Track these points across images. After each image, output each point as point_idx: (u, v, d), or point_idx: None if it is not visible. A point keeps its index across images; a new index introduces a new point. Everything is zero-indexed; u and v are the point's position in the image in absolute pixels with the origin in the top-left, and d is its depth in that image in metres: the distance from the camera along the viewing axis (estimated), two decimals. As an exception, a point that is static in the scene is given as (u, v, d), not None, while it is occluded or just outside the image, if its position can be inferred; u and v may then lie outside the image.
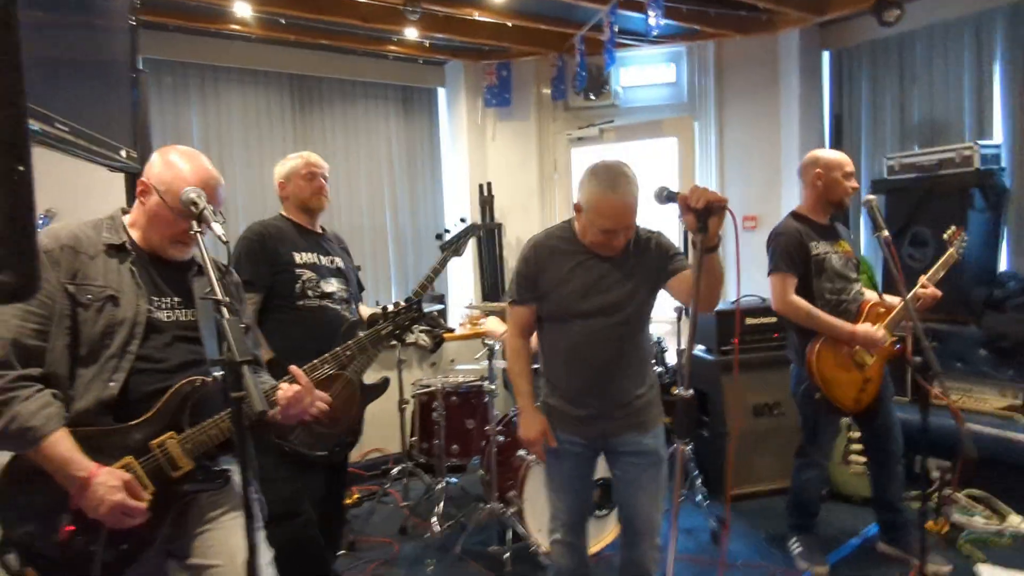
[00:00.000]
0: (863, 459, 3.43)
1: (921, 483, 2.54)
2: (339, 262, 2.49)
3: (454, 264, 4.85)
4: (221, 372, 1.41)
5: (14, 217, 0.57)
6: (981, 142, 3.56)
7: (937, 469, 3.18)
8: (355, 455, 4.15)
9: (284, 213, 2.50)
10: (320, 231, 2.54)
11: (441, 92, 4.87)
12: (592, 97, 4.54)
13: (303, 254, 2.38)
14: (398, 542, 3.27)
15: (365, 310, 2.64)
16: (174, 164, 1.53)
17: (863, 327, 2.63)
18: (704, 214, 1.60)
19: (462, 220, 2.67)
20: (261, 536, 1.60)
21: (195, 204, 1.47)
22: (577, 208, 1.98)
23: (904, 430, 2.84)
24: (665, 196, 1.67)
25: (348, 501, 3.67)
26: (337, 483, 2.54)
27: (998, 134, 3.75)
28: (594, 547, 2.84)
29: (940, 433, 3.17)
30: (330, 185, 4.32)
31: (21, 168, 0.57)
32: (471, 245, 4.72)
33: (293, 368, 1.64)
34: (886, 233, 2.40)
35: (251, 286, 2.26)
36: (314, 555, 2.35)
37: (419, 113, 4.83)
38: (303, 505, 2.26)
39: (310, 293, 2.34)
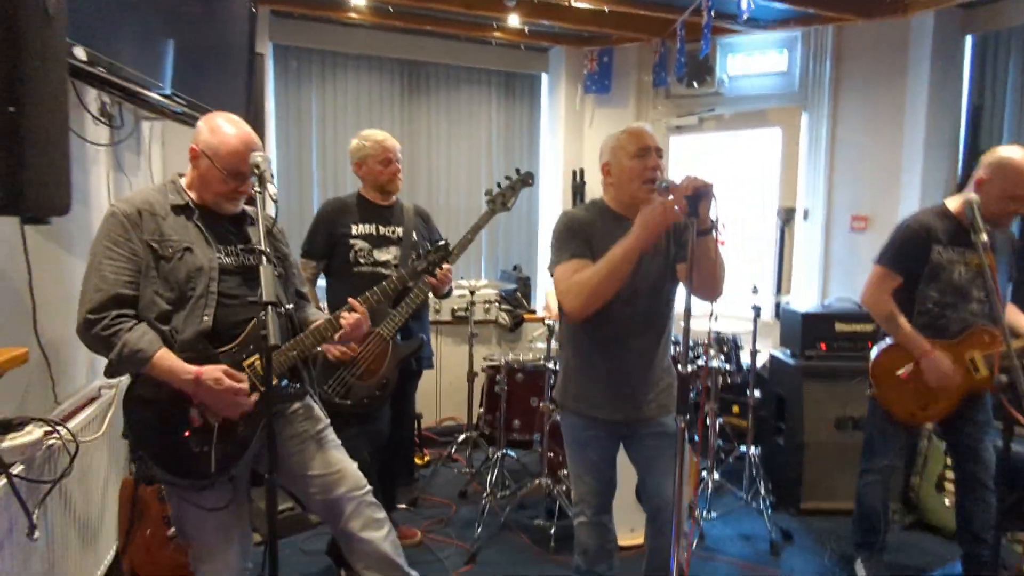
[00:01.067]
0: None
1: (991, 511, 2.29)
2: (401, 231, 2.68)
3: (543, 247, 4.97)
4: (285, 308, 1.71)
5: (2, 145, 0.74)
6: None
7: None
8: (431, 420, 4.42)
9: (360, 191, 2.75)
10: (391, 203, 2.73)
11: (544, 78, 4.93)
12: (695, 85, 4.39)
13: (361, 226, 2.64)
14: (456, 504, 3.45)
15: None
16: (219, 130, 1.73)
17: (938, 356, 2.37)
18: (693, 199, 1.65)
19: (517, 171, 2.72)
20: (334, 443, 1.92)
21: (258, 167, 1.69)
22: (605, 169, 2.03)
23: (1014, 464, 2.52)
24: (663, 187, 1.78)
25: (419, 462, 3.91)
26: (371, 435, 2.61)
27: None
28: (636, 540, 2.83)
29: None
30: (432, 166, 4.62)
31: (12, 109, 0.74)
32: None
33: (351, 300, 1.89)
34: (984, 238, 2.16)
35: (308, 255, 2.67)
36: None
37: (521, 99, 4.93)
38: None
39: (362, 261, 2.61)
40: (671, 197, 1.72)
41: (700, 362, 3.24)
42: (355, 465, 1.92)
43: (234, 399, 1.63)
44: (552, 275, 2.00)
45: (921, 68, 3.95)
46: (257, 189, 1.66)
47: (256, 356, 1.71)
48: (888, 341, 2.53)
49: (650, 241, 1.76)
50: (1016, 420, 2.00)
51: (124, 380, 1.74)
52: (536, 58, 4.85)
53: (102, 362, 1.64)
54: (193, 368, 1.60)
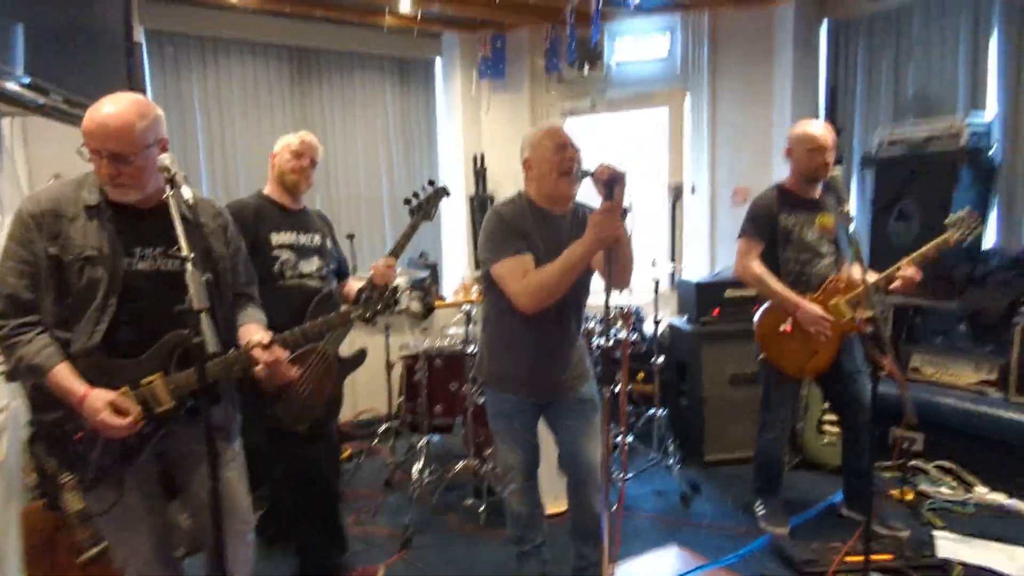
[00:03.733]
0: (835, 430, 3.53)
1: (868, 449, 2.64)
2: (318, 240, 2.51)
3: (448, 233, 5.02)
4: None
5: None
6: (970, 120, 3.54)
7: (902, 437, 3.26)
8: (348, 414, 4.37)
9: (265, 191, 2.51)
10: (301, 207, 2.55)
11: (438, 63, 4.92)
12: (585, 69, 4.56)
13: (282, 234, 2.41)
14: (383, 494, 3.46)
15: (354, 283, 2.70)
16: (90, 111, 1.60)
17: (809, 304, 2.70)
18: (610, 185, 1.82)
19: (430, 183, 2.72)
20: (240, 472, 1.83)
21: (167, 169, 1.60)
22: (526, 165, 2.14)
23: (880, 403, 2.91)
24: (580, 175, 1.97)
25: (340, 457, 3.87)
26: (326, 452, 2.57)
27: (992, 107, 3.71)
28: (561, 507, 2.98)
29: (916, 405, 3.25)
30: (328, 156, 4.49)
31: None
32: (464, 216, 4.86)
33: (262, 337, 1.73)
34: (846, 209, 2.45)
35: None
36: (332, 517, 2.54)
37: (416, 85, 4.89)
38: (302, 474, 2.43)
39: (288, 274, 2.39)
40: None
41: (620, 335, 3.44)
42: (246, 499, 1.87)
43: (109, 431, 1.55)
44: (489, 269, 2.09)
45: (785, 52, 4.35)
46: (169, 194, 1.59)
47: (159, 373, 1.62)
48: (764, 305, 2.85)
49: (603, 246, 1.88)
50: (879, 365, 2.31)
51: (13, 404, 1.64)
52: (429, 43, 4.82)
53: None
54: (80, 391, 1.53)
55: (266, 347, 1.69)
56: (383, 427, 3.90)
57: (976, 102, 3.77)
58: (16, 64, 2.12)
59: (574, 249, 1.93)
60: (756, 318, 2.88)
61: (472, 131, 4.83)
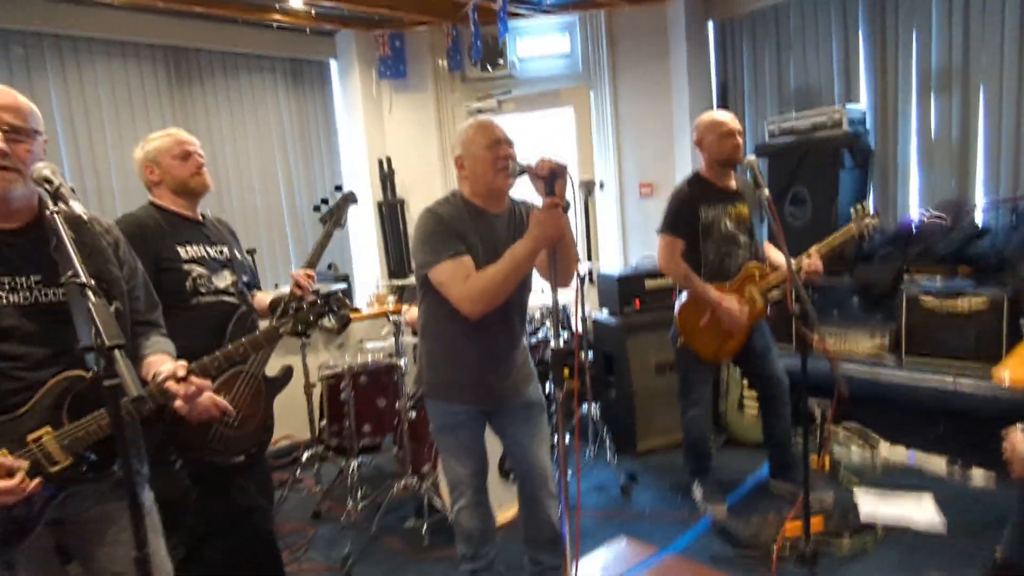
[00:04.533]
0: (756, 406, 3.70)
1: (804, 422, 2.77)
2: (226, 251, 2.28)
3: (357, 242, 4.78)
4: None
5: None
6: (848, 106, 3.84)
7: (818, 408, 3.48)
8: (263, 444, 4.03)
9: (157, 201, 2.21)
10: (200, 218, 2.29)
11: (333, 64, 4.67)
12: (489, 68, 4.51)
13: (188, 247, 2.16)
14: (313, 527, 3.22)
15: (264, 296, 2.48)
16: None
17: (729, 304, 2.80)
18: (550, 179, 1.76)
19: (337, 189, 2.57)
20: (153, 528, 1.55)
21: (48, 180, 1.35)
22: (459, 163, 2.05)
23: (789, 375, 3.09)
24: (519, 170, 1.88)
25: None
26: (261, 481, 2.38)
27: (863, 99, 4.05)
28: (508, 514, 2.91)
29: (821, 376, 3.47)
30: (218, 165, 4.13)
31: None
32: (373, 223, 4.65)
33: (179, 367, 1.49)
34: (766, 192, 2.55)
35: None
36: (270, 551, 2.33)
37: (310, 86, 4.61)
38: (244, 510, 2.21)
39: (202, 290, 2.15)
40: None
41: (563, 336, 3.41)
42: (166, 559, 1.64)
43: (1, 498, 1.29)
44: (425, 273, 1.98)
45: (679, 50, 4.52)
46: (52, 208, 1.34)
47: (46, 429, 1.37)
48: (683, 297, 2.96)
49: (548, 244, 1.79)
50: (809, 342, 2.43)
51: None
52: (322, 43, 4.56)
53: None
54: None
55: (181, 379, 1.45)
56: (305, 454, 3.63)
57: (850, 94, 4.10)
58: None
59: (518, 248, 1.85)
60: (676, 308, 2.97)
61: (375, 133, 4.62)
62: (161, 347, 1.62)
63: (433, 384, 2.14)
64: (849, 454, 3.44)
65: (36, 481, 1.32)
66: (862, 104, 4.01)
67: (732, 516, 2.95)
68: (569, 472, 3.47)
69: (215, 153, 4.21)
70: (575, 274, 2.07)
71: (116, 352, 1.20)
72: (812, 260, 2.78)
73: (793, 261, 2.84)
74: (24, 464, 1.32)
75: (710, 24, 4.64)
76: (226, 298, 2.20)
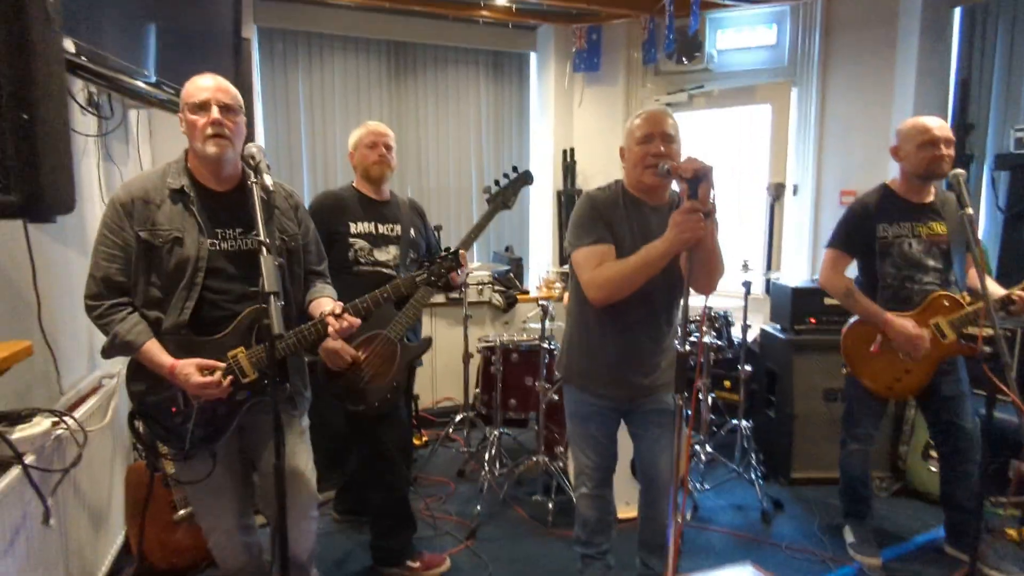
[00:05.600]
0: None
1: (979, 482, 2.37)
2: (399, 229, 2.60)
3: (535, 227, 5.00)
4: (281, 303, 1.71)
5: (20, 151, 0.76)
6: None
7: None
8: (428, 401, 4.48)
9: (354, 183, 2.64)
10: (387, 198, 2.64)
11: (532, 57, 4.91)
12: (684, 61, 4.38)
13: (360, 224, 2.53)
14: (455, 483, 3.51)
15: None
16: (185, 88, 1.74)
17: (900, 321, 2.46)
18: (694, 182, 1.69)
19: (514, 169, 2.70)
20: (305, 448, 1.93)
21: (252, 157, 1.70)
22: (621, 154, 2.07)
23: (999, 432, 2.62)
24: (665, 171, 1.83)
25: (416, 442, 3.97)
26: (395, 435, 2.62)
27: None
28: (632, 512, 2.89)
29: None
30: (421, 148, 4.61)
31: (25, 116, 0.76)
32: (551, 210, 4.82)
33: (337, 305, 1.80)
34: (969, 211, 2.20)
35: None
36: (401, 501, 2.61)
37: (509, 78, 4.91)
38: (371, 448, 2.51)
39: (362, 260, 2.51)
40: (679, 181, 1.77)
41: (694, 339, 3.30)
42: (311, 473, 1.95)
43: (203, 391, 1.67)
44: (570, 254, 2.04)
45: (910, 41, 3.96)
46: (253, 180, 1.68)
47: (241, 348, 1.73)
48: (852, 320, 2.65)
49: (682, 249, 1.76)
50: (999, 389, 2.06)
51: (123, 371, 1.77)
52: (524, 36, 4.81)
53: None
54: (168, 361, 1.65)
55: (338, 316, 1.75)
56: (459, 417, 3.95)
57: None
58: (149, 65, 2.33)
59: (653, 247, 1.83)
60: (843, 331, 2.67)
61: (564, 125, 4.78)
62: (325, 292, 1.98)
63: (569, 370, 2.18)
64: (1065, 536, 2.82)
65: (229, 379, 1.70)
66: None
67: (884, 571, 2.62)
68: (701, 485, 3.36)
69: (419, 137, 4.70)
70: (716, 282, 1.98)
71: (271, 297, 1.50)
72: None
73: (1001, 292, 2.42)
74: (221, 365, 1.70)
75: (956, 10, 3.98)
76: (384, 270, 2.54)
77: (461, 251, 2.51)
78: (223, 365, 1.70)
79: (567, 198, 4.69)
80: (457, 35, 4.61)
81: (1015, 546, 2.77)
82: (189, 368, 1.65)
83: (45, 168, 0.80)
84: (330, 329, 1.74)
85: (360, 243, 2.52)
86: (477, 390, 3.84)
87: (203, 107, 1.68)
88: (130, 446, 2.64)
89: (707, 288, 1.95)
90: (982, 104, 3.94)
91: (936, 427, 2.70)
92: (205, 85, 1.70)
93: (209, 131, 1.67)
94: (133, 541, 2.45)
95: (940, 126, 2.49)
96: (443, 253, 2.00)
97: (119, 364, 2.47)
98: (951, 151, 2.48)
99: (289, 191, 1.95)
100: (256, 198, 1.64)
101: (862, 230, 2.56)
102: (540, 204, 4.84)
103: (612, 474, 2.24)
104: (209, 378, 1.66)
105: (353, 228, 2.52)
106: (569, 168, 4.67)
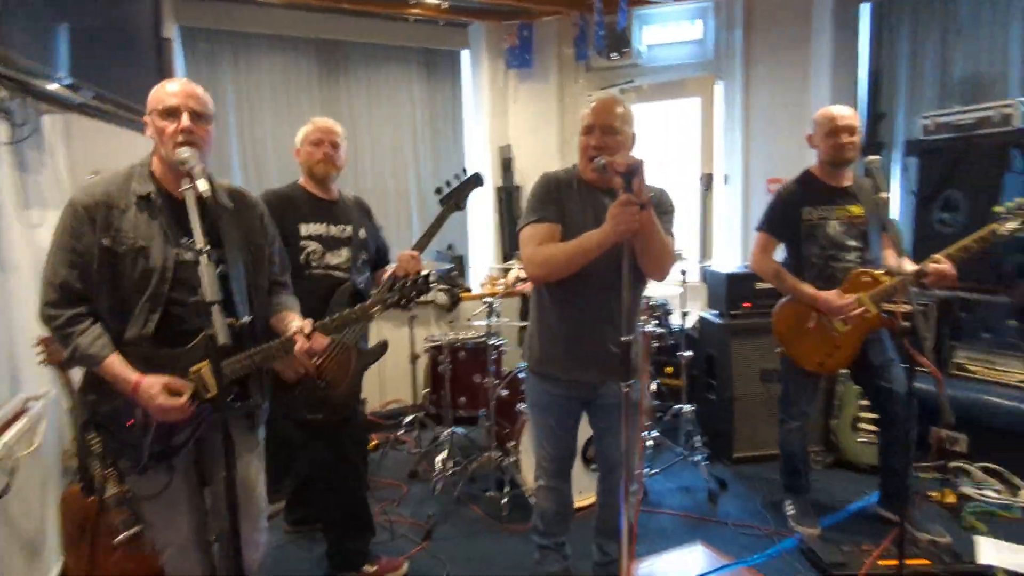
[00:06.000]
0: (871, 428, 3.40)
1: (907, 448, 2.54)
2: (350, 231, 2.51)
3: (475, 225, 5.01)
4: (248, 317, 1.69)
5: None
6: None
7: (945, 437, 3.13)
8: (376, 404, 4.42)
9: (300, 181, 2.53)
10: (336, 198, 2.54)
11: (464, 55, 4.90)
12: (614, 57, 4.47)
13: (310, 225, 2.42)
14: (407, 485, 3.49)
15: (385, 271, 2.68)
16: (157, 88, 1.67)
17: (826, 294, 2.63)
18: (627, 176, 1.73)
19: (464, 170, 2.69)
20: (255, 463, 1.88)
21: (184, 162, 1.63)
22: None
23: (923, 402, 2.79)
24: (601, 165, 1.87)
25: (367, 445, 3.92)
26: (353, 440, 2.59)
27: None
28: (586, 501, 2.95)
29: (960, 405, 3.10)
30: (357, 148, 4.53)
31: None
32: (491, 207, 4.84)
33: (305, 324, 1.75)
34: (884, 195, 2.35)
35: None
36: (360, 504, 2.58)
37: (442, 76, 4.88)
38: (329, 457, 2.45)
39: (314, 264, 2.40)
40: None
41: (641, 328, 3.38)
42: (262, 487, 1.91)
43: (167, 413, 1.61)
44: (519, 230, 2.07)
45: (823, 35, 4.18)
46: (187, 186, 1.61)
47: (204, 362, 1.66)
48: (781, 301, 2.80)
49: (619, 240, 1.78)
50: (918, 362, 2.21)
51: (52, 391, 1.68)
52: (456, 34, 4.80)
53: (24, 375, 1.59)
54: (133, 377, 1.59)
55: (307, 335, 1.72)
56: (408, 418, 3.92)
57: (1028, 86, 3.56)
58: (59, 65, 2.20)
59: (590, 236, 1.88)
60: (774, 312, 2.81)
61: (499, 121, 4.79)
62: (288, 305, 1.92)
63: (531, 358, 2.19)
64: (982, 496, 3.05)
65: (195, 403, 1.64)
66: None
67: (823, 540, 2.77)
68: (649, 469, 3.45)
69: (354, 137, 4.61)
70: (664, 269, 2.01)
71: (213, 308, 1.45)
72: (940, 265, 2.42)
73: (914, 267, 2.59)
74: (189, 387, 1.64)
75: (864, 7, 4.22)
76: (336, 273, 2.44)
77: (416, 252, 2.48)
78: (190, 387, 1.63)
79: (506, 194, 4.71)
80: (388, 33, 4.56)
81: (938, 508, 2.98)
82: (154, 388, 1.59)
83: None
84: (297, 348, 1.70)
85: (312, 246, 2.41)
86: (426, 390, 3.82)
87: (172, 113, 1.63)
88: (66, 471, 2.49)
89: (657, 274, 2.00)
90: (892, 94, 4.20)
91: (871, 395, 2.87)
92: (175, 91, 1.64)
93: (180, 138, 1.62)
94: (72, 570, 2.32)
95: (843, 115, 2.65)
96: (415, 277, 1.93)
97: (45, 385, 2.33)
98: (855, 138, 2.65)
99: (254, 200, 1.89)
100: (190, 204, 1.58)
101: (789, 214, 2.71)
102: (480, 201, 4.84)
103: (569, 467, 2.26)
104: (176, 401, 1.60)
105: (304, 230, 2.41)
106: (507, 165, 4.69)
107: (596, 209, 2.01)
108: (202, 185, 1.63)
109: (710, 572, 2.57)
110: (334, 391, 2.35)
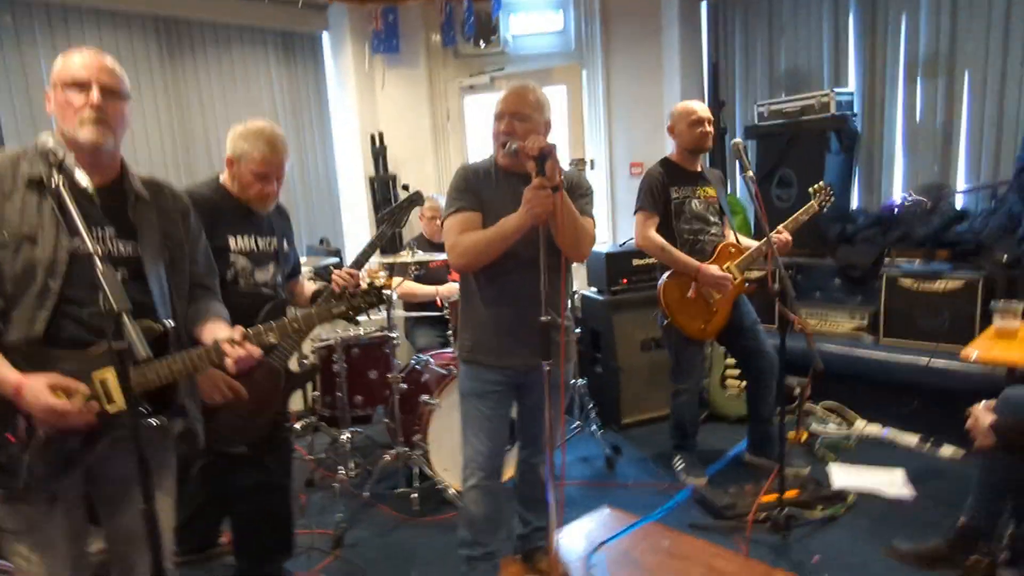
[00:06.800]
0: (737, 383, 3.81)
1: (782, 398, 2.88)
2: (275, 243, 2.26)
3: (348, 218, 4.80)
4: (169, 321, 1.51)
5: None
6: (837, 89, 3.89)
7: (796, 385, 3.59)
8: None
9: (225, 183, 2.17)
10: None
11: (325, 37, 4.65)
12: (482, 44, 4.51)
13: (239, 238, 2.14)
14: (305, 494, 3.30)
15: (307, 286, 2.49)
16: (59, 63, 1.47)
17: (709, 267, 2.93)
18: (540, 160, 1.79)
19: (404, 188, 2.60)
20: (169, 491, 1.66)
21: (54, 153, 1.38)
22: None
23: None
24: (513, 150, 1.89)
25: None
26: (280, 461, 2.39)
27: (852, 82, 4.10)
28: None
29: (799, 354, 3.57)
30: (209, 136, 4.13)
31: None
32: (365, 198, 4.67)
33: (238, 331, 1.57)
34: (750, 173, 2.63)
35: None
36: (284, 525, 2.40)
37: (302, 60, 4.59)
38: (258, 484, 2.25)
39: (241, 282, 2.14)
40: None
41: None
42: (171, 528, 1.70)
43: (58, 417, 1.36)
44: (441, 224, 2.10)
45: (671, 29, 4.54)
46: (56, 180, 1.38)
47: (109, 369, 1.40)
48: (665, 275, 3.04)
49: (537, 222, 1.80)
50: (788, 319, 2.52)
51: None
52: (314, 16, 4.53)
53: None
54: (15, 379, 1.34)
55: (236, 343, 1.54)
56: (299, 424, 3.70)
57: (839, 78, 4.15)
58: None
59: (508, 221, 1.92)
60: (660, 286, 3.04)
61: (368, 108, 4.62)
62: (217, 312, 1.72)
63: (463, 346, 2.17)
64: (826, 430, 3.56)
65: (93, 403, 1.37)
66: (851, 88, 4.06)
67: (711, 487, 3.06)
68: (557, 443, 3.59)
69: (207, 126, 4.21)
70: (583, 249, 2.07)
71: (124, 316, 1.26)
72: (782, 235, 2.94)
73: (754, 243, 3.00)
74: (83, 388, 1.38)
75: (703, 5, 4.65)
76: (264, 290, 2.19)
77: (353, 271, 2.34)
78: (85, 389, 1.38)
79: (380, 184, 4.57)
80: (238, 12, 4.19)
81: (797, 445, 3.42)
82: (39, 386, 1.34)
83: None
84: (227, 360, 1.52)
85: (241, 261, 2.13)
86: (315, 393, 3.62)
87: (82, 87, 1.41)
88: None
89: (575, 255, 2.06)
90: (729, 84, 4.67)
91: (742, 356, 3.25)
92: (84, 62, 1.43)
93: (87, 114, 1.40)
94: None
95: (703, 108, 3.03)
96: (363, 287, 1.81)
97: None
98: (711, 129, 3.02)
99: (176, 193, 1.68)
100: (67, 197, 1.35)
101: (660, 193, 2.98)
102: (351, 192, 4.65)
103: (501, 464, 2.21)
104: (64, 403, 1.35)
105: (232, 243, 2.12)
106: (379, 153, 4.55)
107: (515, 195, 2.00)
108: (82, 179, 1.41)
109: (621, 531, 2.74)
110: (259, 418, 2.13)
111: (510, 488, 2.43)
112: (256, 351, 1.57)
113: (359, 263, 2.41)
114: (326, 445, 3.62)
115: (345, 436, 3.29)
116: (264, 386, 2.12)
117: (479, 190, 2.06)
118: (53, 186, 1.36)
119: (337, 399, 3.35)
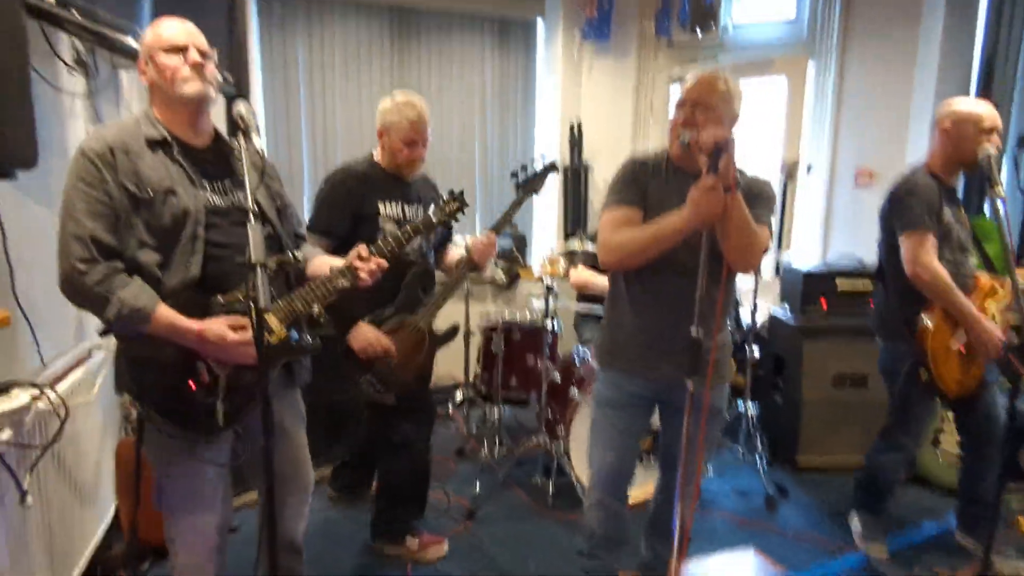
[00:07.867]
0: (953, 444, 3.12)
1: (1004, 468, 2.30)
2: (422, 212, 2.38)
3: (539, 205, 4.87)
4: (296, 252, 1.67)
5: None
6: None
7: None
8: (427, 379, 4.40)
9: (376, 159, 2.38)
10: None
11: (539, 23, 4.73)
12: (699, 32, 4.22)
13: (389, 204, 2.31)
14: (455, 462, 3.45)
15: (455, 252, 2.61)
16: (153, 26, 1.59)
17: (987, 323, 2.32)
18: (714, 155, 1.57)
19: (542, 158, 2.61)
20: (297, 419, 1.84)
21: (242, 118, 1.56)
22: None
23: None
24: (685, 142, 1.74)
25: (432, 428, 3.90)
26: (419, 424, 2.55)
27: None
28: (639, 493, 2.83)
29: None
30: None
31: None
32: (556, 185, 4.70)
33: (361, 248, 1.71)
34: (1000, 190, 2.10)
35: (325, 235, 2.24)
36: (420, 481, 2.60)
37: (515, 46, 4.73)
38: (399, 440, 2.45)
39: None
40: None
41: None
42: (307, 453, 1.87)
43: (243, 349, 1.50)
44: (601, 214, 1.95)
45: (935, 15, 3.80)
46: (241, 143, 1.55)
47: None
48: (927, 316, 2.37)
49: (702, 225, 1.64)
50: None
51: (111, 341, 1.64)
52: (532, 2, 4.63)
53: (91, 322, 1.55)
54: (195, 325, 1.47)
55: (364, 258, 1.67)
56: (459, 395, 3.88)
57: None
58: (142, 21, 2.22)
59: (668, 222, 1.72)
60: (926, 327, 2.38)
61: (571, 96, 4.61)
62: (317, 252, 1.88)
63: (601, 349, 2.06)
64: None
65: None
66: None
67: (892, 562, 2.56)
68: (706, 469, 3.29)
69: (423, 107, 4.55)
70: (753, 260, 1.82)
71: (257, 269, 1.38)
72: None
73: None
74: (247, 323, 1.48)
75: (984, -17, 3.82)
76: (408, 257, 2.32)
77: (491, 232, 2.41)
78: (248, 324, 1.50)
79: (573, 174, 4.56)
80: (461, 0, 4.44)
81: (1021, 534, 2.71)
82: (219, 328, 1.47)
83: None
84: (361, 273, 1.66)
85: (390, 226, 2.28)
86: (478, 368, 3.76)
87: (179, 50, 1.55)
88: (121, 419, 2.56)
89: (743, 266, 1.80)
90: (1006, 82, 3.79)
91: (969, 417, 2.55)
92: (179, 29, 1.57)
93: (188, 71, 1.54)
94: (124, 517, 2.39)
95: (993, 113, 2.34)
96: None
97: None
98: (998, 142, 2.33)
99: (256, 149, 1.78)
100: (246, 162, 1.52)
101: (935, 211, 2.35)
102: (546, 180, 4.70)
103: (627, 484, 2.06)
104: (246, 335, 1.48)
105: (383, 209, 2.29)
106: (576, 142, 4.53)
107: (684, 193, 1.79)
108: (258, 142, 1.59)
109: (763, 582, 2.43)
110: (405, 374, 2.30)
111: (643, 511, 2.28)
112: (383, 262, 1.70)
113: (498, 228, 2.41)
114: (480, 419, 3.75)
115: (495, 414, 3.37)
116: (409, 343, 2.30)
117: (645, 184, 1.88)
118: (236, 150, 1.55)
119: (493, 377, 3.44)
